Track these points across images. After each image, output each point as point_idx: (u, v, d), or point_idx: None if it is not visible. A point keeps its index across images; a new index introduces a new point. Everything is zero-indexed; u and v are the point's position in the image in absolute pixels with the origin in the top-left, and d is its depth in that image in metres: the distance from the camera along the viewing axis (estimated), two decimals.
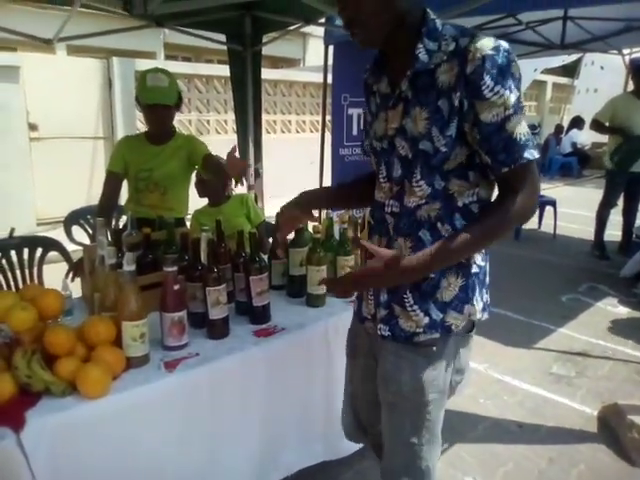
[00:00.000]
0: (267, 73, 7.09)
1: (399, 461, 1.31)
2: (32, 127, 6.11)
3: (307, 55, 12.41)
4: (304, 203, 1.43)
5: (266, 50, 4.35)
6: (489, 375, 3.03)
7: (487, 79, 1.03)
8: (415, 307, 1.21)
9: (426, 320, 1.20)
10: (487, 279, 1.29)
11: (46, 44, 3.34)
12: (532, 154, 1.07)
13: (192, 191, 2.72)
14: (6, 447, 1.12)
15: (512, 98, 1.04)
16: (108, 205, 2.54)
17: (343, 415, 1.58)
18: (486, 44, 1.04)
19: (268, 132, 7.89)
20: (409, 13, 1.12)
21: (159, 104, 2.37)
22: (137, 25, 3.67)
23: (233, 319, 1.72)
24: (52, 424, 1.20)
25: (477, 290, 1.24)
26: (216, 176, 2.47)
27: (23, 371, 1.27)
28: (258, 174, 4.43)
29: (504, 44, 1.05)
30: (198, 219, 2.68)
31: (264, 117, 5.51)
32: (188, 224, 2.73)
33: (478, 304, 1.25)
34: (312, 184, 1.36)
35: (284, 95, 8.47)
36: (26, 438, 1.15)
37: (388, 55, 1.21)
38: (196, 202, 2.78)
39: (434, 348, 1.22)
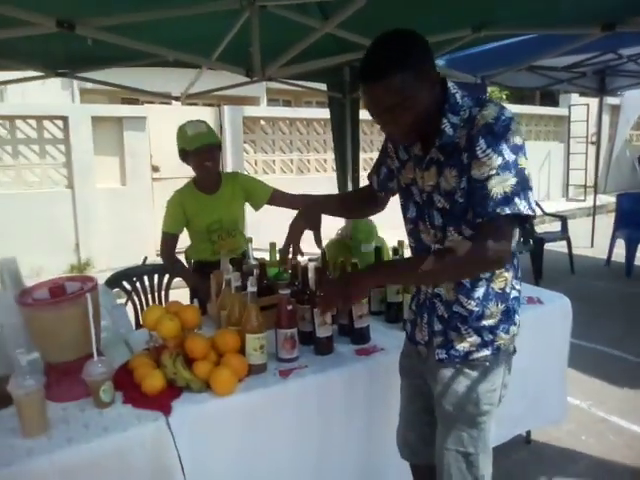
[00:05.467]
0: (364, 114, 7.41)
1: (456, 472, 1.40)
2: (154, 169, 6.91)
3: None
4: (306, 215, 1.58)
5: None
6: (593, 413, 2.93)
7: (482, 142, 1.20)
8: (469, 329, 1.38)
9: (478, 340, 1.38)
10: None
11: (175, 101, 3.85)
12: (503, 210, 1.18)
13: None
14: (160, 427, 1.40)
15: (498, 160, 1.18)
16: (171, 261, 2.60)
17: (397, 433, 1.69)
18: (490, 114, 1.20)
19: (365, 169, 8.20)
20: (433, 99, 1.25)
21: (205, 144, 2.44)
22: (248, 80, 4.11)
23: (336, 339, 1.90)
24: (191, 413, 1.46)
25: (517, 311, 1.44)
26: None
27: (170, 369, 1.55)
28: None
29: (508, 113, 1.21)
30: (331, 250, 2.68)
31: (361, 155, 5.79)
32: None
33: (518, 323, 1.44)
34: None
35: (380, 134, 8.80)
36: (173, 421, 1.41)
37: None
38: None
39: (487, 363, 1.39)
